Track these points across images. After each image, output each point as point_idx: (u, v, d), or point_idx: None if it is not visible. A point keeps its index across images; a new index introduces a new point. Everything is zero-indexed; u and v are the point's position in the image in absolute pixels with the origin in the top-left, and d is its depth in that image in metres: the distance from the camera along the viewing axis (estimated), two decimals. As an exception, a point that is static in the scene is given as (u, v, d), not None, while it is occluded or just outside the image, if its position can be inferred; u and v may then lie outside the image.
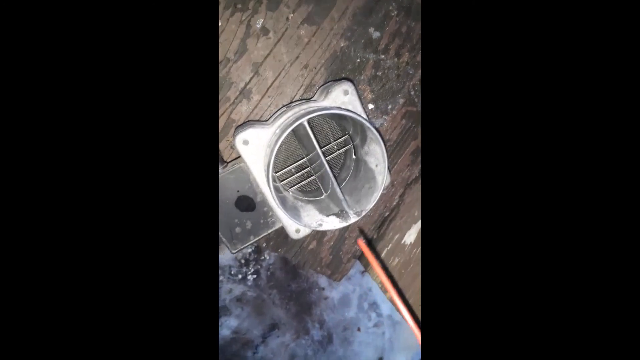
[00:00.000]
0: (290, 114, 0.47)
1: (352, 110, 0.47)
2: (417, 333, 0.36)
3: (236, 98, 0.58)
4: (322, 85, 0.56)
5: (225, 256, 0.97)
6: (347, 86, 0.48)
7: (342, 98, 0.48)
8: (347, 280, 0.93)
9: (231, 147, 0.59)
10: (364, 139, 0.49)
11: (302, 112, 0.45)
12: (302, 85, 0.59)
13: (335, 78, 0.60)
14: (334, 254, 0.73)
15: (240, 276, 1.14)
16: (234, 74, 0.57)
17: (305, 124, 0.43)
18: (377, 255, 0.66)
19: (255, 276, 1.31)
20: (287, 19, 0.57)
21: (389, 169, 0.66)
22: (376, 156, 0.48)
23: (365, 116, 0.49)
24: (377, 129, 0.47)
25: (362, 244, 0.39)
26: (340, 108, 0.46)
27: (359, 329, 1.35)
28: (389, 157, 0.68)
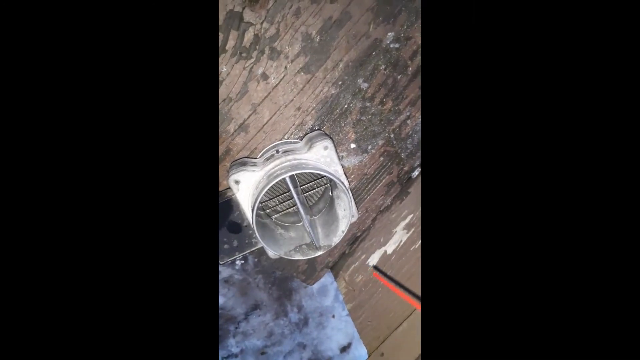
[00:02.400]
0: (277, 163, 0.56)
1: (329, 163, 0.56)
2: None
3: (235, 131, 0.66)
4: (308, 133, 0.65)
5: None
6: (327, 143, 0.56)
7: (322, 152, 0.57)
8: (327, 273, 1.05)
9: (226, 172, 0.68)
10: (336, 186, 0.59)
11: (287, 164, 0.55)
12: (294, 124, 0.68)
13: (324, 120, 0.68)
14: (309, 263, 0.84)
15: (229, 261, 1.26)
16: (234, 111, 0.65)
17: (287, 179, 0.52)
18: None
19: (243, 262, 1.44)
20: (286, 67, 0.64)
21: (363, 201, 0.76)
22: (344, 204, 0.58)
23: (339, 168, 0.58)
24: (346, 186, 0.57)
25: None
26: (317, 167, 0.55)
27: (333, 316, 1.50)
28: (365, 188, 0.77)
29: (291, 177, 0.54)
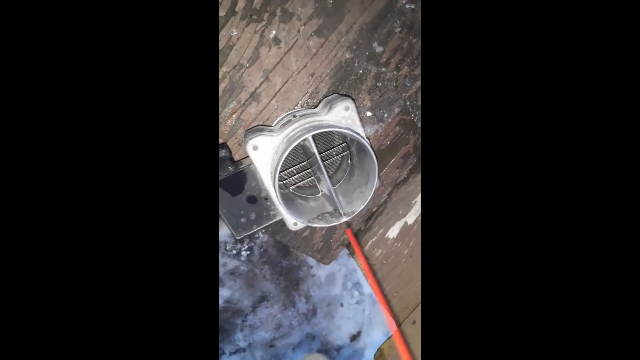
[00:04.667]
0: (296, 126, 0.53)
1: (351, 124, 0.53)
2: (390, 317, 0.43)
3: (246, 100, 0.63)
4: (325, 97, 0.62)
5: (222, 233, 1.05)
6: (348, 103, 0.54)
7: (343, 113, 0.54)
8: (334, 261, 1.02)
9: (239, 144, 0.65)
10: (359, 150, 0.56)
11: (307, 125, 0.52)
12: (307, 92, 0.65)
13: (338, 87, 0.65)
14: (324, 241, 0.81)
15: (234, 251, 1.22)
16: (245, 79, 0.62)
17: (310, 139, 0.49)
18: (361, 245, 0.74)
19: (248, 252, 1.40)
20: (298, 30, 0.61)
21: (379, 174, 0.74)
22: (366, 169, 0.55)
23: (362, 131, 0.55)
24: (372, 147, 0.54)
25: (349, 233, 0.46)
26: (339, 126, 0.52)
27: (341, 305, 1.47)
28: (382, 160, 0.75)
29: (312, 139, 0.51)
